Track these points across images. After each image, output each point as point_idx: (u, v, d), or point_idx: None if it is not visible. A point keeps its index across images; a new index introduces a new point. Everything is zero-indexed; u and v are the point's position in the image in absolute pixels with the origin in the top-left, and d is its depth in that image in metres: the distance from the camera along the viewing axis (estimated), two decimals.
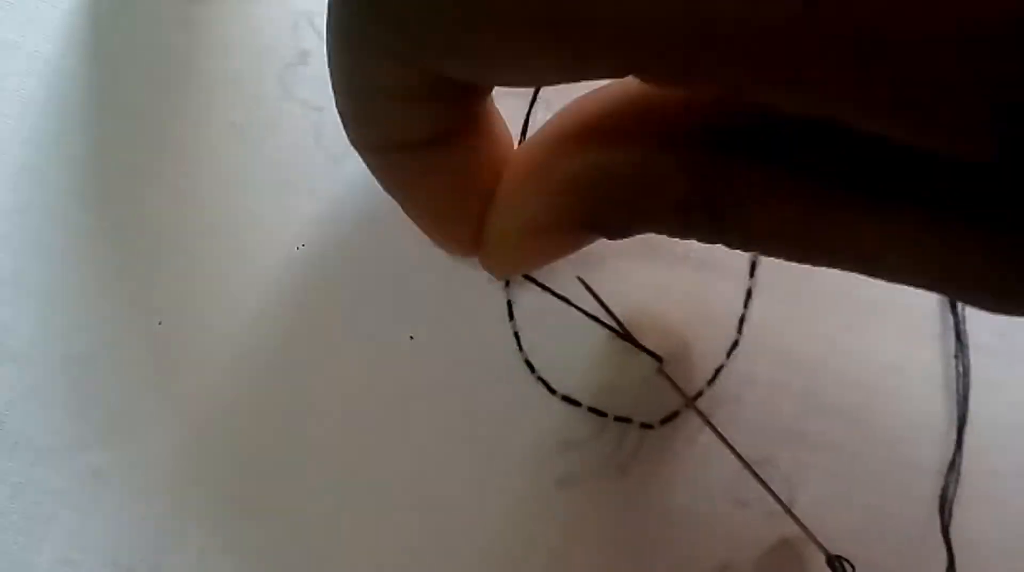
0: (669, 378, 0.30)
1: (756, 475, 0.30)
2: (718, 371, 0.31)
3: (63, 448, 0.28)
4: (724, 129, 0.21)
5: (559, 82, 0.19)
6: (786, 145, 0.20)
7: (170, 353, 0.28)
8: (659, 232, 0.22)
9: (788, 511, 0.30)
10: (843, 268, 0.21)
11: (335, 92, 0.21)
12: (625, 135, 0.22)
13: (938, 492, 0.32)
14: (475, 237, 0.25)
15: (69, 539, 0.27)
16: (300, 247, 0.29)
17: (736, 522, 0.31)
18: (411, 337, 0.29)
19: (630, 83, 0.22)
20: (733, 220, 0.21)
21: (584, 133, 0.22)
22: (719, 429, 0.31)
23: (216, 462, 0.28)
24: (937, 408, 0.32)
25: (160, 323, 0.28)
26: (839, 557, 0.30)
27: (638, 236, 0.23)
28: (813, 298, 0.32)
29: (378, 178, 0.24)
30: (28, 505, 0.27)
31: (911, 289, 0.32)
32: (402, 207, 0.25)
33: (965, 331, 0.32)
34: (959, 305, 0.33)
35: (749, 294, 0.32)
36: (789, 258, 0.21)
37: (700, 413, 0.30)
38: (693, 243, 0.22)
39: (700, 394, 0.31)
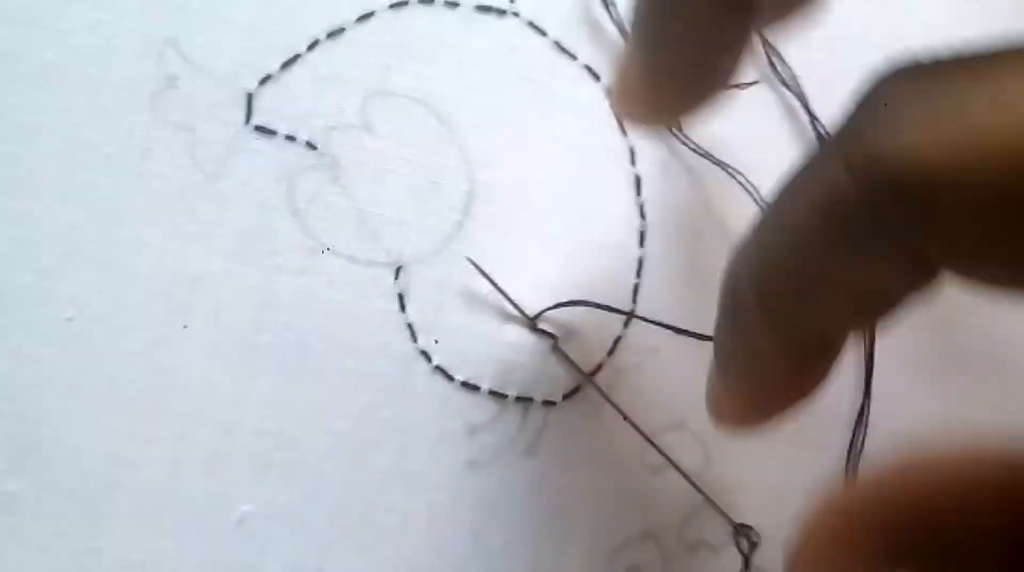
0: (565, 355, 0.31)
1: (656, 446, 0.31)
2: (616, 342, 0.32)
3: None
4: None
5: None
6: None
7: (73, 382, 0.29)
8: None
9: (689, 480, 0.31)
10: None
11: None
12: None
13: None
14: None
15: None
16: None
17: (654, 488, 0.32)
18: (305, 336, 0.30)
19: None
20: None
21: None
22: (624, 399, 0.31)
23: (127, 481, 0.29)
24: (848, 358, 0.33)
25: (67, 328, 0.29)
26: (743, 525, 0.30)
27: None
28: (708, 261, 0.33)
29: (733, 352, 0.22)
30: None
31: None
32: (724, 370, 0.24)
33: None
34: None
35: (640, 264, 0.32)
36: None
37: (598, 388, 0.31)
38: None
39: (599, 368, 0.32)
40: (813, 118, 0.34)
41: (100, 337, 0.29)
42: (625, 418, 0.31)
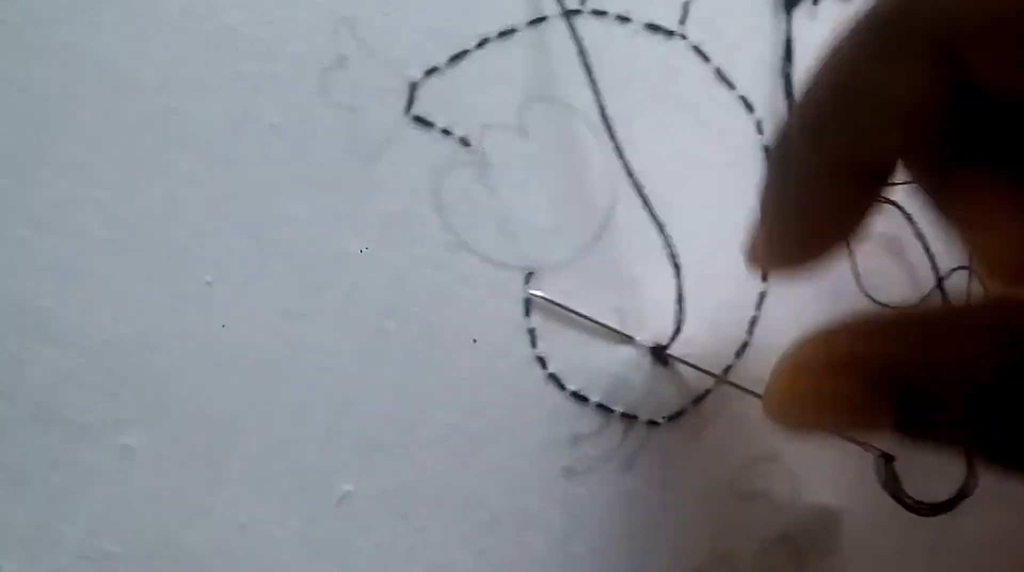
0: (685, 361, 0.32)
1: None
2: (726, 370, 0.33)
3: (97, 427, 0.29)
4: None
5: None
6: None
7: (205, 343, 0.30)
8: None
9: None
10: None
11: None
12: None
13: None
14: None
15: (99, 513, 0.29)
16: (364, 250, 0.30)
17: (738, 515, 0.33)
18: (431, 327, 0.31)
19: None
20: None
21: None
22: (725, 427, 0.32)
23: (241, 446, 0.30)
24: None
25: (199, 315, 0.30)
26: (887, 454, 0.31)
27: None
28: (829, 305, 0.33)
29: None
30: (62, 479, 0.29)
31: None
32: None
33: None
34: None
35: (762, 298, 0.33)
36: None
37: (731, 383, 0.32)
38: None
39: (707, 393, 0.32)
40: None
41: (235, 303, 0.30)
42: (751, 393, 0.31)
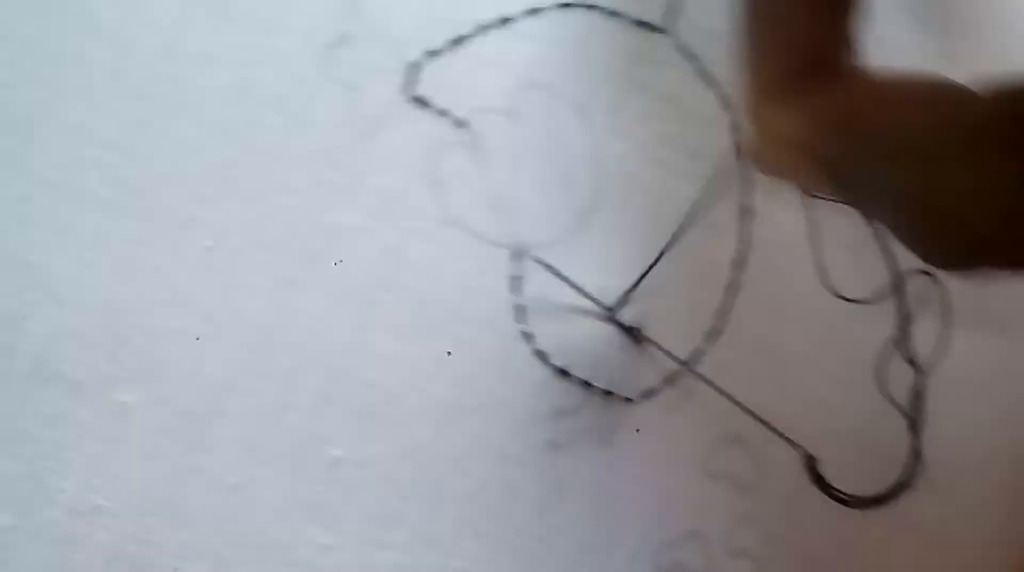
0: (657, 345, 0.33)
1: (757, 417, 0.32)
2: (697, 353, 0.34)
3: (94, 384, 0.30)
4: None
5: None
6: None
7: (202, 306, 0.30)
8: None
9: (761, 420, 0.32)
10: None
11: None
12: None
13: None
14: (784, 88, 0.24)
15: (94, 468, 0.30)
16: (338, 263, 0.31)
17: (706, 493, 0.34)
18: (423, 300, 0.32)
19: None
20: None
21: None
22: (693, 409, 0.34)
23: (235, 408, 0.31)
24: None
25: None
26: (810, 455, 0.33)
27: None
28: (795, 298, 0.35)
29: None
30: (59, 435, 0.29)
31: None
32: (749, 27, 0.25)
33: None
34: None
35: (734, 287, 0.34)
36: None
37: (695, 372, 0.33)
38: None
39: (688, 360, 0.34)
40: None
41: (234, 268, 0.31)
42: (730, 398, 0.33)
